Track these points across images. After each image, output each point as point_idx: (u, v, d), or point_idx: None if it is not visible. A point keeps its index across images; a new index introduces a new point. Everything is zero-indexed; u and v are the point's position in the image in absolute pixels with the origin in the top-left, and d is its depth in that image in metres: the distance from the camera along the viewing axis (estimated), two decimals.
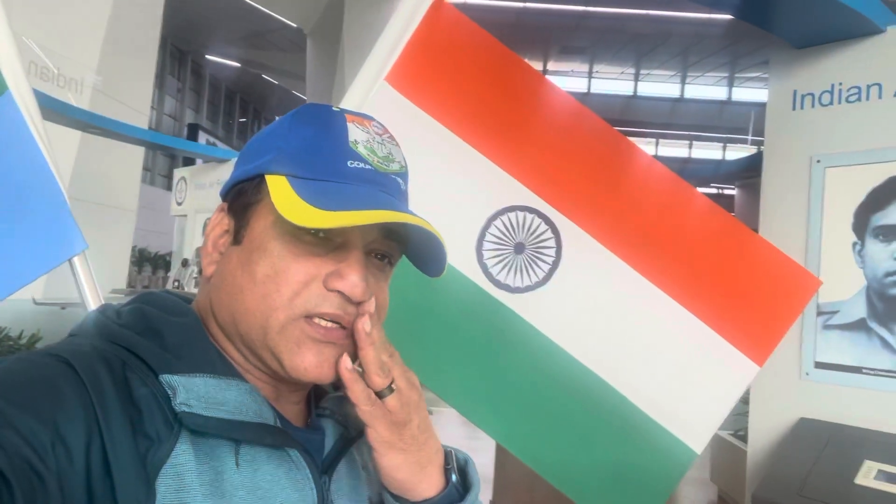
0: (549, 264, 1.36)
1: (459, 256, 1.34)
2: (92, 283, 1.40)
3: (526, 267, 1.36)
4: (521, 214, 1.37)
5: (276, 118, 0.70)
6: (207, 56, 22.22)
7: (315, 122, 0.63)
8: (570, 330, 1.35)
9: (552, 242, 1.36)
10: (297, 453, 0.60)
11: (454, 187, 1.37)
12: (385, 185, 0.62)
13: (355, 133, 0.62)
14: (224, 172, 5.40)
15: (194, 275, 5.23)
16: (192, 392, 0.54)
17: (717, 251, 1.41)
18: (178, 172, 6.40)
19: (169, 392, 0.54)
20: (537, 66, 19.93)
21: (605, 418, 1.34)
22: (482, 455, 5.07)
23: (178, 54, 22.44)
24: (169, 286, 5.59)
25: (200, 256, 0.72)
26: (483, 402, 1.34)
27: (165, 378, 0.54)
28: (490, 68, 1.43)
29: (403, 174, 0.66)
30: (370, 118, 0.65)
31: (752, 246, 1.43)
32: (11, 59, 1.43)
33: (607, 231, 1.38)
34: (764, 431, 2.03)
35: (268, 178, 0.60)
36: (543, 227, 1.37)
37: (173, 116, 22.60)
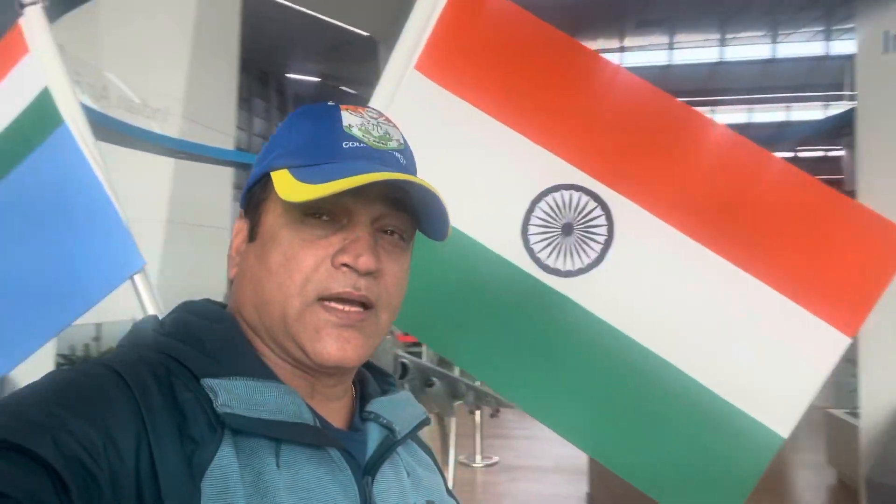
0: (600, 244, 1.27)
1: (504, 243, 1.28)
2: (152, 298, 1.45)
3: (576, 248, 1.27)
4: (566, 193, 1.29)
5: None
6: (288, 75, 23.09)
7: (311, 117, 0.66)
8: (631, 312, 1.26)
9: (602, 220, 1.27)
10: (338, 453, 0.61)
11: (494, 172, 1.32)
12: (383, 160, 0.64)
13: (349, 119, 0.64)
14: None
15: None
16: (232, 394, 0.56)
17: (794, 215, 1.27)
18: None
19: (210, 395, 0.56)
20: (613, 43, 19.31)
21: (678, 405, 1.24)
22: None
23: (263, 76, 23.47)
24: None
25: None
26: (540, 393, 1.27)
27: (206, 382, 0.57)
28: (524, 44, 1.36)
29: (403, 150, 0.67)
30: (365, 106, 0.68)
31: (835, 206, 1.27)
32: (66, 93, 1.50)
33: (663, 203, 1.27)
34: (877, 408, 1.83)
35: (272, 174, 0.63)
36: (592, 204, 1.28)
37: (263, 136, 23.68)
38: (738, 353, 1.23)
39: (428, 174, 1.32)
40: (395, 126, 0.68)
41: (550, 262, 1.27)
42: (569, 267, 1.27)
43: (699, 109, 1.36)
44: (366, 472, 0.63)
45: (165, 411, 0.54)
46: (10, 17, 1.55)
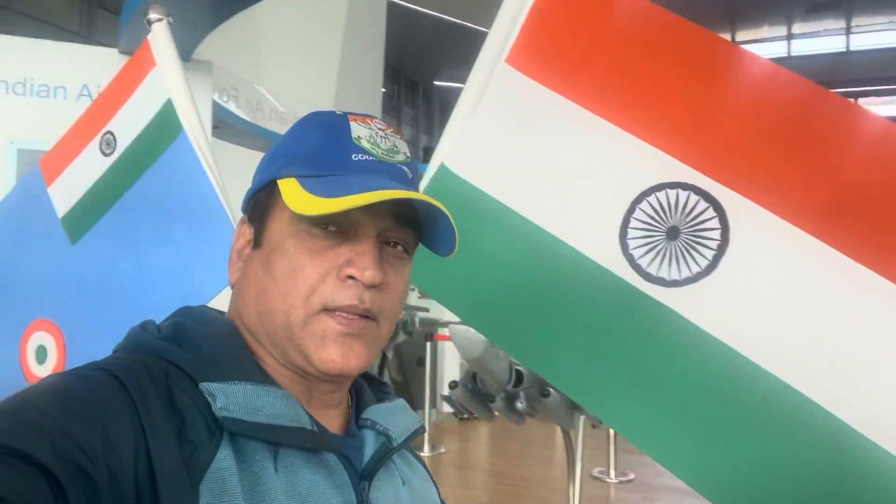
0: (712, 249, 1.11)
1: (600, 248, 1.16)
2: None
3: (683, 255, 1.12)
4: (672, 192, 1.14)
5: None
6: (435, 82, 23.77)
7: (319, 126, 0.66)
8: (748, 329, 1.08)
9: (715, 223, 1.11)
10: (335, 458, 0.61)
11: (590, 169, 1.20)
12: (390, 174, 0.64)
13: (358, 130, 0.65)
14: None
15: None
16: (230, 398, 0.57)
17: None
18: None
19: (209, 399, 0.56)
20: (779, 31, 17.75)
21: (807, 441, 1.05)
22: None
23: (411, 85, 24.40)
24: None
25: None
26: (638, 416, 1.14)
27: (205, 386, 0.57)
28: (625, 30, 1.23)
29: (410, 164, 0.68)
30: (373, 117, 0.68)
31: None
32: (185, 102, 1.60)
33: (792, 203, 1.09)
34: None
35: (279, 182, 0.64)
36: (703, 204, 1.12)
37: (411, 142, 24.59)
38: (884, 383, 1.02)
39: (517, 171, 1.24)
40: (402, 139, 0.68)
41: (653, 270, 1.14)
42: (674, 276, 1.12)
43: (885, 99, 1.15)
44: (362, 477, 0.64)
45: (163, 414, 0.54)
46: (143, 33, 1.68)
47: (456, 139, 1.30)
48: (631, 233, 1.15)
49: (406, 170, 0.66)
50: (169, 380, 0.57)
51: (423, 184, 1.34)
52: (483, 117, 1.26)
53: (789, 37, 17.75)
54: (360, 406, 0.71)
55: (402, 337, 5.32)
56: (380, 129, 0.66)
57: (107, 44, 3.41)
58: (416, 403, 6.10)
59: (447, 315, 6.09)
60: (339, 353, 0.61)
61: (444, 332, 5.72)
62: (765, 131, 1.14)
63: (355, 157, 0.63)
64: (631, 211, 1.16)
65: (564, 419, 2.59)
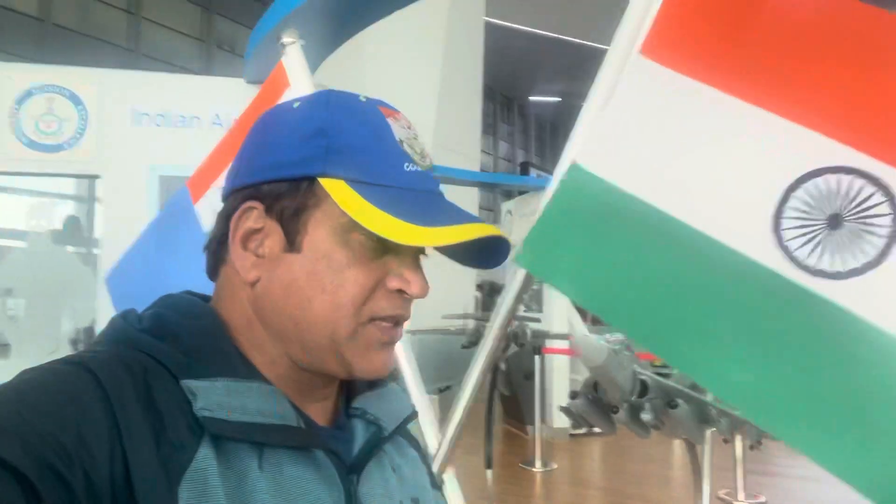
0: (882, 237, 1.02)
1: (750, 241, 1.10)
2: None
3: (847, 244, 1.04)
4: (833, 178, 1.06)
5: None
6: (530, 98, 23.77)
7: (356, 116, 0.61)
8: None
9: (886, 208, 1.02)
10: (322, 453, 0.59)
11: (739, 157, 1.14)
12: (433, 185, 0.64)
13: (397, 130, 0.62)
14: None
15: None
16: (212, 397, 0.54)
17: None
18: (505, 206, 6.86)
19: (190, 398, 0.54)
20: None
21: None
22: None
23: (507, 101, 24.52)
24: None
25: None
26: (804, 422, 1.05)
27: (185, 383, 0.55)
28: (775, 8, 1.17)
29: (433, 167, 0.66)
30: (397, 109, 0.64)
31: None
32: None
33: None
34: None
35: (324, 181, 0.58)
36: (869, 189, 1.04)
37: (507, 158, 24.71)
38: None
39: (657, 165, 1.20)
40: (419, 136, 0.65)
41: (812, 262, 1.06)
42: (838, 267, 1.04)
43: None
44: (351, 470, 0.62)
45: (141, 413, 0.51)
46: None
47: (589, 136, 1.28)
48: (786, 223, 1.08)
49: (433, 176, 0.65)
50: (148, 375, 0.54)
51: (554, 187, 1.32)
52: (618, 111, 1.24)
53: None
54: (351, 393, 0.69)
55: (513, 348, 5.26)
56: (407, 127, 0.63)
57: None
58: (525, 418, 6.01)
59: (555, 327, 5.99)
60: (381, 360, 0.62)
61: (554, 345, 5.62)
62: None
63: (406, 166, 0.60)
64: (785, 200, 1.09)
65: (693, 432, 2.46)
